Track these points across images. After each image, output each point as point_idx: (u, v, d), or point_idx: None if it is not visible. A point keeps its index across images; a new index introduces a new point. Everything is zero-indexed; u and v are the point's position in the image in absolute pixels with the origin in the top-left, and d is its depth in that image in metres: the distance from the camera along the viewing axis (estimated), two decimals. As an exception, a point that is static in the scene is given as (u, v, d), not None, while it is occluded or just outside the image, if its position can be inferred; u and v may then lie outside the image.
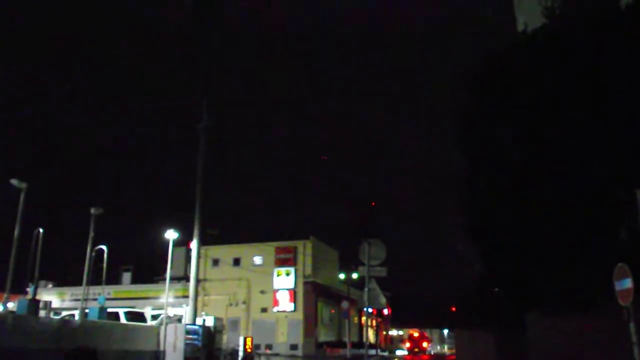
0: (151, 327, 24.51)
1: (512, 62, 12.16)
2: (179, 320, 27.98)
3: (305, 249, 46.46)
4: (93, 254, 26.68)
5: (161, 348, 22.62)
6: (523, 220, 11.91)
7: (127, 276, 49.25)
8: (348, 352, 43.14)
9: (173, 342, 22.16)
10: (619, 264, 8.29)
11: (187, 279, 38.71)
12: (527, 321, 12.42)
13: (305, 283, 45.61)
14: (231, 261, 47.18)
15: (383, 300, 14.99)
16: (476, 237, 14.84)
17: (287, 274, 45.95)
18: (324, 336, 47.81)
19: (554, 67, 10.82)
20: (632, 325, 8.02)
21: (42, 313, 21.20)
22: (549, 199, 11.16)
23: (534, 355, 12.27)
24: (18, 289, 27.27)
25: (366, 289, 14.35)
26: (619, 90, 9.58)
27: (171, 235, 25.53)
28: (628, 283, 8.04)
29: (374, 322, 62.29)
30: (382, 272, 14.54)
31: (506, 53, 12.64)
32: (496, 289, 15.25)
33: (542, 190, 11.40)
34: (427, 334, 72.48)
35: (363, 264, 14.42)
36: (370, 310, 17.21)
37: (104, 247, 28.58)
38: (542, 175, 11.40)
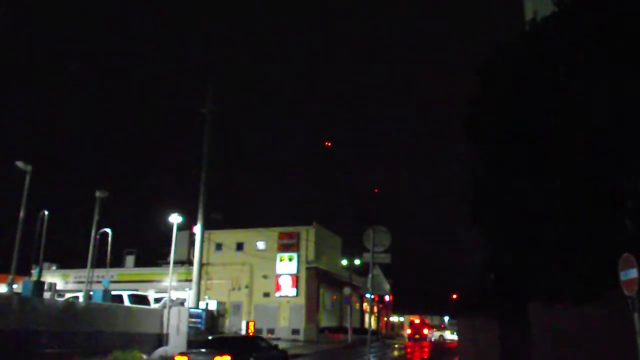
0: (155, 310, 24.73)
1: (521, 51, 12.11)
2: (182, 303, 28.22)
3: (308, 234, 46.68)
4: (97, 236, 26.81)
5: (164, 331, 22.86)
6: (527, 209, 11.92)
7: (130, 259, 49.54)
8: (349, 337, 43.44)
9: (176, 325, 22.38)
10: (625, 254, 8.31)
11: (190, 262, 39.13)
12: (529, 310, 12.46)
13: (307, 268, 45.87)
14: (234, 246, 47.41)
15: (387, 286, 15.06)
16: (479, 225, 14.86)
17: (290, 260, 46.19)
18: (325, 322, 48.17)
19: (564, 57, 10.77)
20: (636, 315, 8.06)
21: (46, 295, 21.32)
22: (554, 188, 11.17)
23: (537, 343, 12.33)
24: (22, 271, 27.42)
25: (370, 275, 14.43)
26: (629, 80, 9.54)
27: (175, 219, 25.63)
28: (633, 273, 8.06)
29: (376, 309, 62.62)
30: (387, 258, 14.61)
31: (515, 42, 12.58)
32: (497, 277, 15.29)
33: (547, 179, 11.40)
34: (427, 320, 72.79)
35: (367, 250, 14.49)
36: (371, 296, 17.27)
37: (108, 230, 28.69)
38: (548, 165, 11.39)
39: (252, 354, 17.46)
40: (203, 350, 17.14)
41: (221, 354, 16.08)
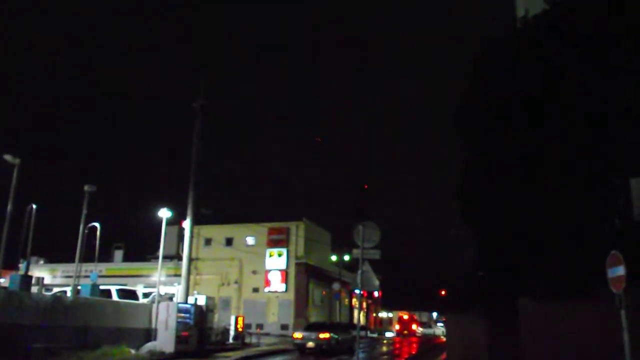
0: (143, 305, 24.63)
1: (512, 49, 12.14)
2: (171, 298, 28.10)
3: (297, 230, 46.66)
4: (86, 231, 26.63)
5: (153, 326, 22.77)
6: (517, 206, 11.97)
7: (118, 254, 49.29)
8: (338, 333, 43.48)
9: (165, 320, 22.28)
10: (612, 252, 8.38)
11: (179, 257, 38.92)
12: (519, 306, 12.54)
13: (297, 264, 45.87)
14: (224, 241, 47.32)
15: (376, 282, 15.09)
16: (470, 221, 14.89)
17: (279, 255, 46.16)
18: (314, 317, 48.19)
19: (555, 54, 10.82)
20: (623, 312, 8.14)
21: (34, 289, 21.16)
22: (544, 185, 11.22)
23: (526, 340, 12.41)
24: (10, 265, 27.20)
25: (360, 271, 14.43)
26: (619, 78, 9.61)
27: (164, 213, 25.51)
28: (620, 270, 8.14)
29: (365, 304, 62.77)
30: (376, 254, 14.61)
31: (507, 39, 12.61)
32: (487, 274, 15.34)
33: (537, 176, 11.45)
34: (416, 316, 73.05)
35: (357, 246, 14.48)
36: (360, 292, 17.42)
37: (97, 225, 28.50)
38: (538, 162, 11.44)
39: (339, 332, 27.56)
40: (310, 330, 27.26)
41: (323, 332, 26.30)
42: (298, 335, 27.00)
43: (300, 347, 26.24)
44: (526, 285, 11.78)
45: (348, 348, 27.17)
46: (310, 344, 25.66)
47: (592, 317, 9.70)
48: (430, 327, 66.81)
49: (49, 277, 44.80)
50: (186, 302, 24.11)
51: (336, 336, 26.43)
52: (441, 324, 64.05)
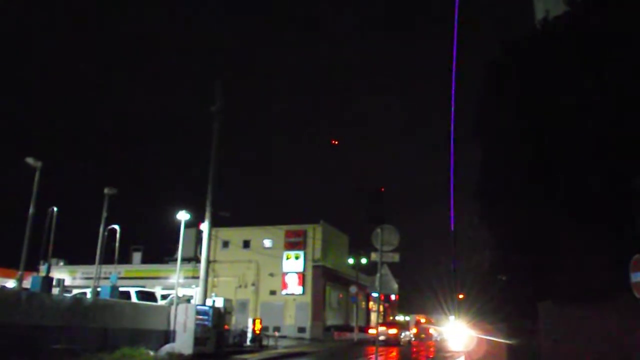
0: (162, 306, 24.79)
1: (531, 51, 12.03)
2: (189, 300, 28.25)
3: (315, 233, 46.69)
4: (106, 233, 26.86)
5: (171, 328, 22.89)
6: (536, 208, 11.86)
7: (137, 256, 49.65)
8: (355, 336, 43.44)
9: (183, 322, 22.40)
10: (636, 255, 8.25)
11: (196, 259, 39.22)
12: (539, 310, 12.41)
13: (314, 267, 45.90)
14: (241, 243, 47.48)
15: (395, 285, 15.10)
16: (489, 224, 14.78)
17: (297, 258, 46.22)
18: (331, 320, 48.19)
19: (575, 57, 10.71)
20: (646, 318, 8.02)
21: (55, 291, 21.39)
22: (564, 188, 11.11)
23: (546, 344, 12.29)
24: (30, 267, 27.52)
25: (378, 274, 14.38)
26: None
27: (182, 216, 25.65)
28: (644, 275, 8.01)
29: (382, 307, 62.61)
30: (395, 257, 14.54)
31: (525, 41, 12.50)
32: (505, 277, 15.22)
33: (557, 179, 11.34)
34: (433, 320, 72.59)
35: (375, 249, 14.42)
36: (378, 295, 17.37)
37: (116, 227, 28.73)
38: (557, 163, 11.33)
39: (401, 329, 41.50)
40: (383, 327, 38.05)
41: (392, 328, 39.79)
42: (373, 331, 39.01)
43: (375, 339, 33.41)
44: (547, 288, 11.67)
45: (407, 341, 42.40)
46: (382, 337, 35.14)
47: (614, 322, 9.57)
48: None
49: (68, 278, 45.19)
50: (204, 304, 24.23)
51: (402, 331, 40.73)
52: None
